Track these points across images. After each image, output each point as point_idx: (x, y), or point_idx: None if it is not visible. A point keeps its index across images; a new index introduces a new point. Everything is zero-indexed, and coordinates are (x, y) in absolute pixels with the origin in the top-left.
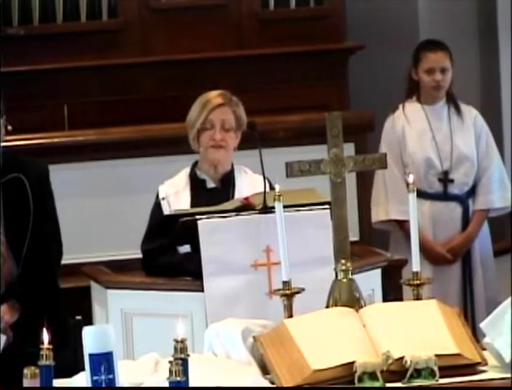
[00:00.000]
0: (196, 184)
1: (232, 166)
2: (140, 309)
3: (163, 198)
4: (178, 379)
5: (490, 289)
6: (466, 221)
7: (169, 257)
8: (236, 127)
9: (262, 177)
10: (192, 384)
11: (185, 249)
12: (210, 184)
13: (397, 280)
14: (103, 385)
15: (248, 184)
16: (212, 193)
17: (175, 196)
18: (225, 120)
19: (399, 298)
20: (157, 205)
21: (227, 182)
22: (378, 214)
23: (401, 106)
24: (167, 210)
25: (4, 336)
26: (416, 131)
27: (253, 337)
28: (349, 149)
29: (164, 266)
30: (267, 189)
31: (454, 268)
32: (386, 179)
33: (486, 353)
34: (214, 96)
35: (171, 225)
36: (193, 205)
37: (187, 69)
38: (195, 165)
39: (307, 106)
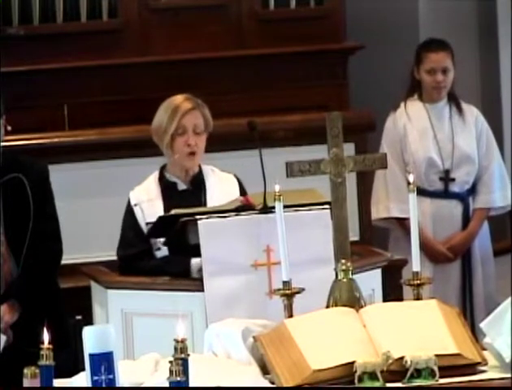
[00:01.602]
0: (167, 187)
1: (200, 166)
2: (140, 309)
3: (135, 204)
4: (178, 379)
5: (489, 289)
6: (466, 219)
7: (147, 261)
8: (204, 130)
9: (230, 175)
10: (192, 384)
11: (163, 252)
12: (182, 187)
13: (397, 280)
14: (103, 385)
15: (217, 182)
16: (184, 195)
17: (148, 201)
18: (196, 124)
19: (399, 298)
20: (129, 212)
21: (198, 183)
22: (379, 211)
23: (402, 104)
24: (140, 216)
25: (4, 336)
26: (418, 129)
27: (253, 337)
28: (349, 149)
29: (143, 271)
30: (239, 192)
31: (454, 267)
32: (387, 176)
33: (486, 353)
34: (182, 100)
35: (158, 227)
36: (166, 208)
37: (187, 69)
38: (163, 168)
39: (307, 106)
